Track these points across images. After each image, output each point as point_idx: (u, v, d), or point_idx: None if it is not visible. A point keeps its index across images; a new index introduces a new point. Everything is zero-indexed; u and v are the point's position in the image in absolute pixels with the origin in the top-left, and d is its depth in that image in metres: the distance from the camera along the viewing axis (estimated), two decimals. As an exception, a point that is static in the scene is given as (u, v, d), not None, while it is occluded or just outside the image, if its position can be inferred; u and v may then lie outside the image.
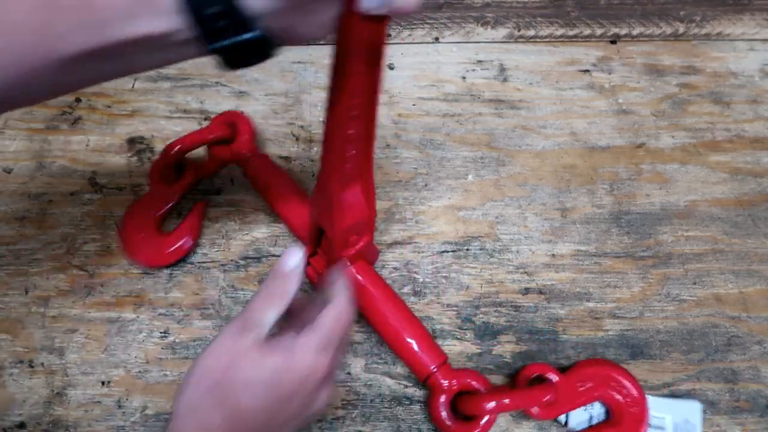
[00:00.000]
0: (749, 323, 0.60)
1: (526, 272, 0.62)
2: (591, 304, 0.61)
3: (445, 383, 0.52)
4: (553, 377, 0.53)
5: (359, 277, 0.55)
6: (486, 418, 0.51)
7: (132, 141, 0.68)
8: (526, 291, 0.62)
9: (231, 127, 0.65)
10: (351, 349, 0.58)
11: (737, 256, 0.64)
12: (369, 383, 0.57)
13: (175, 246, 0.60)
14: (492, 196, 0.67)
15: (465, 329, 0.59)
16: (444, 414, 0.52)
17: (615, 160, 0.69)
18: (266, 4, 0.31)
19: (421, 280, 0.62)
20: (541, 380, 0.54)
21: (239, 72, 0.73)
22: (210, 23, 0.30)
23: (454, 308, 0.60)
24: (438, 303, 0.60)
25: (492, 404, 0.50)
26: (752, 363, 0.58)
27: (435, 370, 0.52)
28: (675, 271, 0.63)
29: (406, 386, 0.56)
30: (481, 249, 0.64)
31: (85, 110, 0.70)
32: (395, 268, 0.62)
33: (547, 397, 0.52)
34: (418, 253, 0.63)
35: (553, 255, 0.63)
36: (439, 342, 0.58)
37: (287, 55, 0.76)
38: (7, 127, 0.68)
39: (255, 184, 0.64)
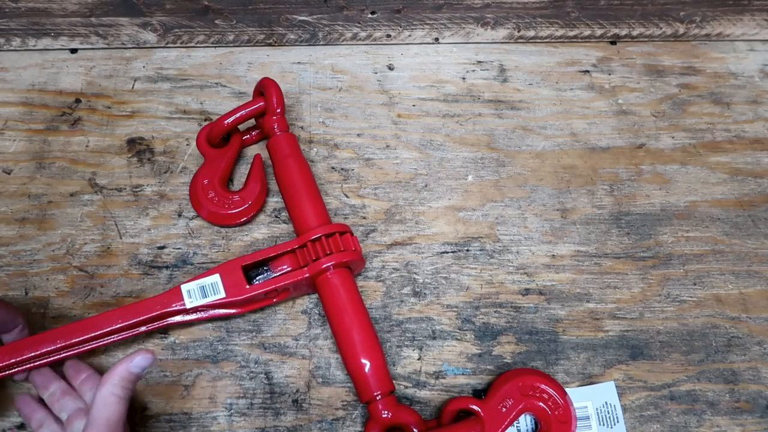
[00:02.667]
0: (749, 324, 0.60)
1: (526, 273, 0.62)
2: (591, 305, 0.61)
3: (384, 413, 0.51)
4: (476, 408, 0.52)
5: (336, 284, 0.55)
6: None
7: (132, 142, 0.68)
8: (526, 292, 0.62)
9: (264, 99, 0.65)
10: (351, 349, 0.58)
11: (737, 257, 0.64)
12: (369, 384, 0.57)
13: (249, 203, 0.62)
14: (492, 197, 0.67)
15: (465, 330, 0.59)
16: None
17: (615, 160, 0.69)
18: None
19: (421, 280, 0.62)
20: (466, 413, 0.53)
21: (239, 73, 0.73)
22: None
23: (454, 309, 0.60)
24: (438, 304, 0.60)
25: None
26: (752, 364, 0.58)
27: (379, 397, 0.51)
28: (675, 272, 0.63)
29: (406, 387, 0.56)
30: (481, 250, 0.63)
31: (85, 111, 0.70)
32: (395, 269, 0.62)
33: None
34: (418, 253, 0.63)
35: (553, 256, 0.63)
36: (439, 343, 0.58)
37: (287, 55, 0.76)
38: (7, 128, 0.68)
39: (273, 162, 0.64)
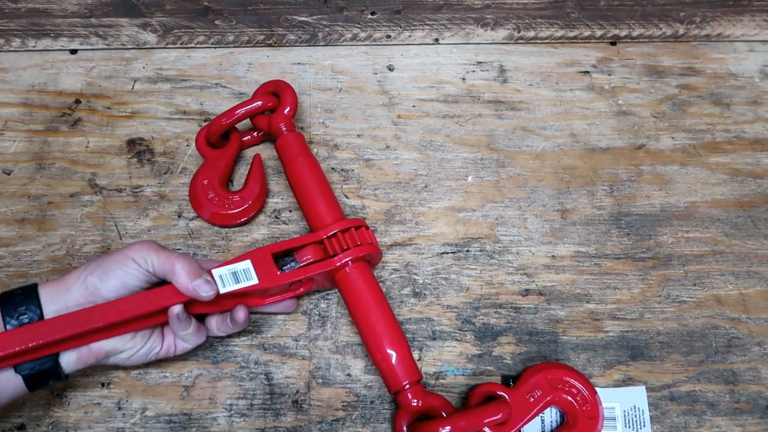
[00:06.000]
0: (749, 324, 0.60)
1: (526, 274, 0.62)
2: (591, 306, 0.61)
3: (414, 401, 0.51)
4: (504, 394, 0.52)
5: (356, 277, 0.55)
6: None
7: (132, 142, 0.68)
8: (526, 292, 0.62)
9: (276, 98, 0.66)
10: (351, 350, 0.58)
11: (737, 258, 0.64)
12: (369, 384, 0.57)
13: (249, 203, 0.62)
14: (492, 198, 0.67)
15: (465, 331, 0.59)
16: (404, 428, 0.52)
17: (615, 161, 0.69)
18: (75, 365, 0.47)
19: (421, 281, 0.62)
20: (494, 399, 0.53)
21: (239, 74, 0.73)
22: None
23: (454, 309, 0.60)
24: (438, 304, 0.60)
25: (446, 429, 0.49)
26: (752, 364, 0.58)
27: (407, 386, 0.52)
28: (675, 273, 0.63)
29: (406, 388, 0.56)
30: (481, 250, 0.63)
31: (85, 112, 0.70)
32: (395, 270, 0.62)
33: (500, 415, 0.50)
34: (418, 254, 0.63)
35: (553, 256, 0.63)
36: (439, 343, 0.58)
37: (287, 56, 0.76)
38: (7, 129, 0.68)
39: (282, 161, 0.64)
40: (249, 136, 0.68)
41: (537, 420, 0.54)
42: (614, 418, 0.55)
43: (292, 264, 0.54)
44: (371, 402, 0.56)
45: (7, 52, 0.74)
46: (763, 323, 0.60)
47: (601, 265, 0.63)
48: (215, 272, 0.51)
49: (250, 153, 0.68)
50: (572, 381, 0.53)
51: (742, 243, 0.65)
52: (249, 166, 0.65)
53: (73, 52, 0.74)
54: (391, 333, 0.53)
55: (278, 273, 0.53)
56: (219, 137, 0.65)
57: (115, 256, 0.48)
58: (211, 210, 0.62)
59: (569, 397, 0.53)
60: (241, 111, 0.64)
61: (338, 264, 0.54)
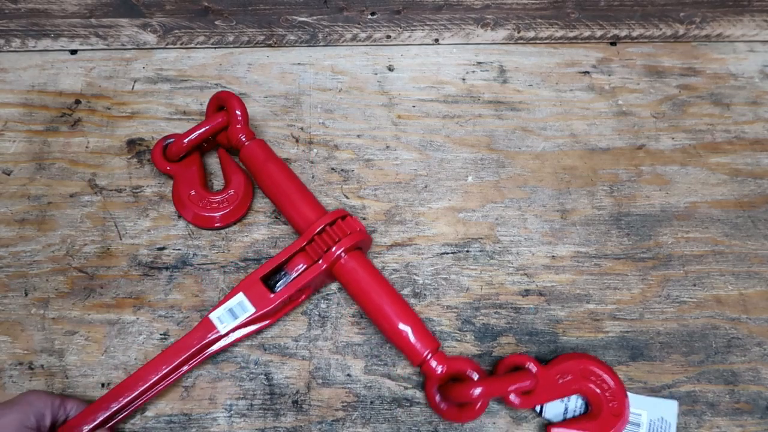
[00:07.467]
0: (749, 325, 0.60)
1: (526, 274, 0.62)
2: (591, 306, 0.61)
3: (439, 368, 0.53)
4: (533, 367, 0.54)
5: (353, 266, 0.56)
6: (477, 403, 0.52)
7: (132, 143, 0.68)
8: (526, 293, 0.61)
9: (225, 114, 0.65)
10: (351, 350, 0.58)
11: (737, 258, 0.64)
12: (369, 385, 0.57)
13: (243, 193, 0.63)
14: (492, 198, 0.67)
15: (465, 331, 0.59)
16: (438, 398, 0.54)
17: (615, 161, 0.69)
18: None
19: (421, 281, 0.62)
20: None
21: (239, 74, 0.73)
22: None
23: (454, 310, 0.60)
24: (438, 305, 0.60)
25: (477, 390, 0.51)
26: (752, 365, 0.58)
27: (428, 356, 0.53)
28: (675, 273, 0.63)
29: (406, 388, 0.56)
30: (481, 251, 0.63)
31: (85, 112, 0.70)
32: (395, 270, 0.62)
33: (527, 382, 0.52)
34: (418, 254, 0.63)
35: (553, 257, 0.63)
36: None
37: (287, 56, 0.76)
38: (7, 129, 0.68)
39: (250, 171, 0.64)
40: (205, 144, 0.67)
41: (561, 405, 0.55)
42: (639, 424, 0.54)
43: (286, 278, 0.55)
44: (371, 402, 0.56)
45: (7, 53, 0.74)
46: (763, 323, 0.60)
47: (601, 265, 0.63)
48: (212, 316, 0.53)
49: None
50: (605, 376, 0.54)
51: (742, 243, 0.65)
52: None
53: (73, 52, 0.74)
54: (400, 310, 0.55)
55: (271, 296, 0.54)
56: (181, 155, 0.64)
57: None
58: (215, 216, 0.62)
59: (598, 390, 0.53)
60: (203, 130, 0.64)
61: (332, 259, 0.55)
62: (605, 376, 0.54)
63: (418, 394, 0.56)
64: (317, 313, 0.59)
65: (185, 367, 0.54)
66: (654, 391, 0.57)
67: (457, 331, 0.59)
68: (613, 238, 0.65)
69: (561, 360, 0.55)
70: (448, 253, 0.63)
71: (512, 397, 0.53)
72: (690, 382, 0.57)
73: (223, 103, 0.65)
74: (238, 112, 0.63)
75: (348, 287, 0.57)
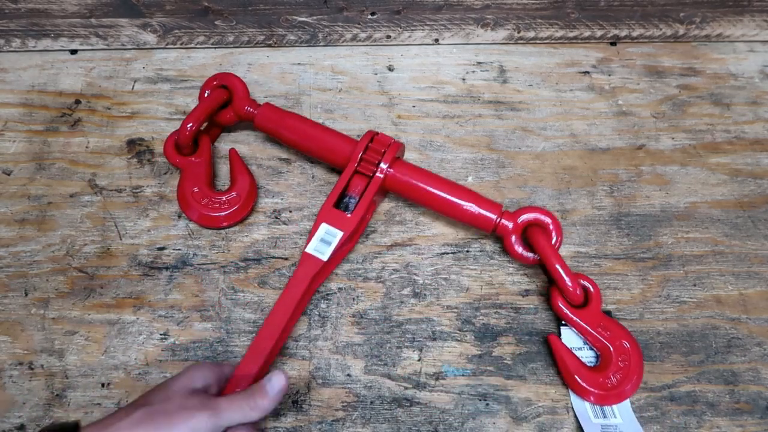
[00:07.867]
0: (749, 325, 0.60)
1: (525, 274, 0.62)
2: (591, 306, 0.61)
3: (509, 224, 0.59)
4: (589, 286, 0.58)
5: (404, 171, 0.61)
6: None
7: (132, 143, 0.68)
8: (526, 293, 0.61)
9: (225, 89, 0.66)
10: (351, 350, 0.58)
11: (737, 258, 0.64)
12: (369, 385, 0.56)
13: (245, 195, 0.63)
14: (492, 198, 0.66)
15: (465, 331, 0.59)
16: (519, 249, 0.59)
17: (615, 161, 0.69)
18: None
19: (421, 281, 0.62)
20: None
21: (239, 74, 0.73)
22: None
23: (454, 310, 0.60)
24: (438, 305, 0.60)
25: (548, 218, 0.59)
26: (752, 365, 0.58)
27: (498, 219, 0.59)
28: (675, 273, 0.63)
29: (406, 388, 0.56)
30: (481, 251, 0.63)
31: (85, 112, 0.70)
32: (395, 270, 0.62)
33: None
34: (418, 254, 0.63)
35: (553, 257, 0.63)
36: (440, 344, 0.58)
37: (287, 56, 0.76)
38: (7, 129, 0.68)
39: (271, 132, 0.66)
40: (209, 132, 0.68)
41: (577, 344, 0.58)
42: (615, 426, 0.54)
43: (352, 200, 0.60)
44: (371, 402, 0.56)
45: (7, 53, 0.74)
46: (763, 323, 0.60)
47: (601, 265, 0.63)
48: (309, 250, 0.57)
49: (223, 150, 0.68)
50: (632, 352, 0.56)
51: (742, 243, 0.65)
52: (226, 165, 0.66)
53: (73, 52, 0.74)
54: (458, 192, 0.60)
55: (349, 215, 0.58)
56: (190, 144, 0.64)
57: (173, 410, 0.45)
58: (218, 215, 0.62)
59: (620, 360, 0.55)
60: (200, 111, 0.64)
61: (385, 171, 0.60)
62: (632, 352, 0.56)
63: (419, 394, 0.56)
64: (317, 313, 0.59)
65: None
66: (654, 391, 0.57)
67: (457, 331, 0.59)
68: (613, 238, 0.65)
69: (610, 319, 0.57)
70: (448, 253, 0.63)
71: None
72: (690, 382, 0.57)
73: (222, 82, 0.67)
74: (239, 87, 0.66)
75: (405, 192, 0.62)
